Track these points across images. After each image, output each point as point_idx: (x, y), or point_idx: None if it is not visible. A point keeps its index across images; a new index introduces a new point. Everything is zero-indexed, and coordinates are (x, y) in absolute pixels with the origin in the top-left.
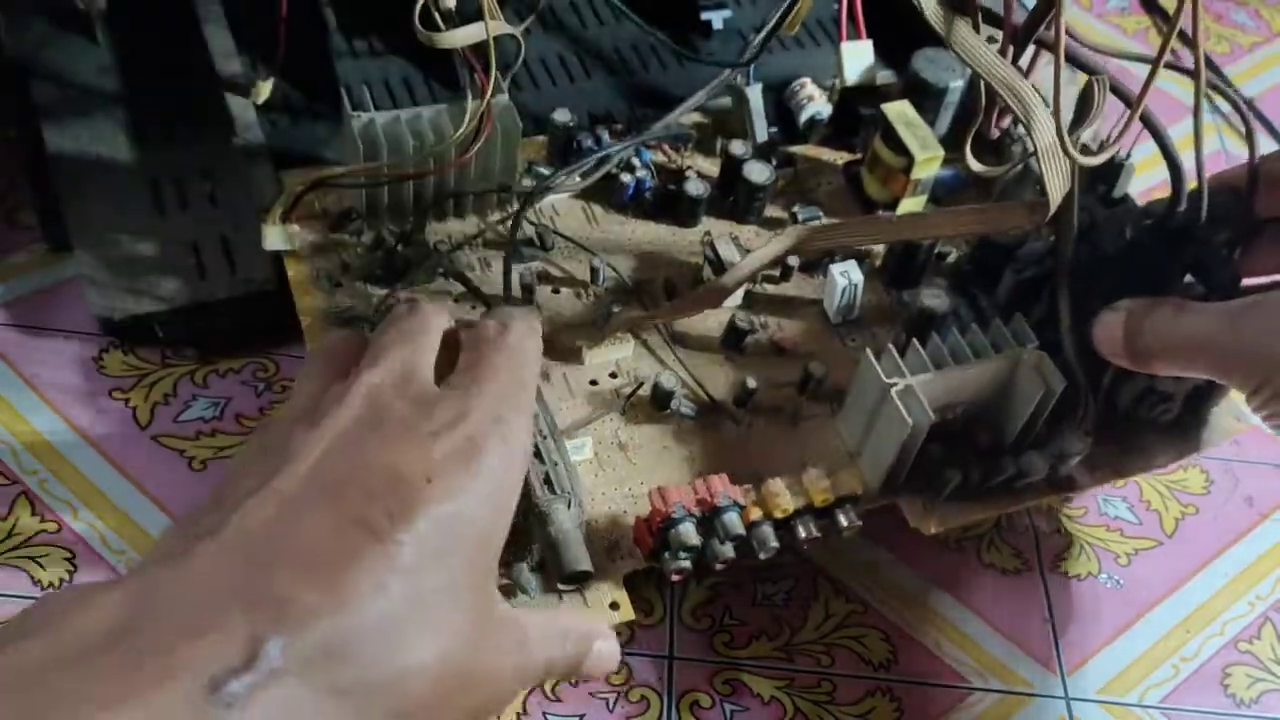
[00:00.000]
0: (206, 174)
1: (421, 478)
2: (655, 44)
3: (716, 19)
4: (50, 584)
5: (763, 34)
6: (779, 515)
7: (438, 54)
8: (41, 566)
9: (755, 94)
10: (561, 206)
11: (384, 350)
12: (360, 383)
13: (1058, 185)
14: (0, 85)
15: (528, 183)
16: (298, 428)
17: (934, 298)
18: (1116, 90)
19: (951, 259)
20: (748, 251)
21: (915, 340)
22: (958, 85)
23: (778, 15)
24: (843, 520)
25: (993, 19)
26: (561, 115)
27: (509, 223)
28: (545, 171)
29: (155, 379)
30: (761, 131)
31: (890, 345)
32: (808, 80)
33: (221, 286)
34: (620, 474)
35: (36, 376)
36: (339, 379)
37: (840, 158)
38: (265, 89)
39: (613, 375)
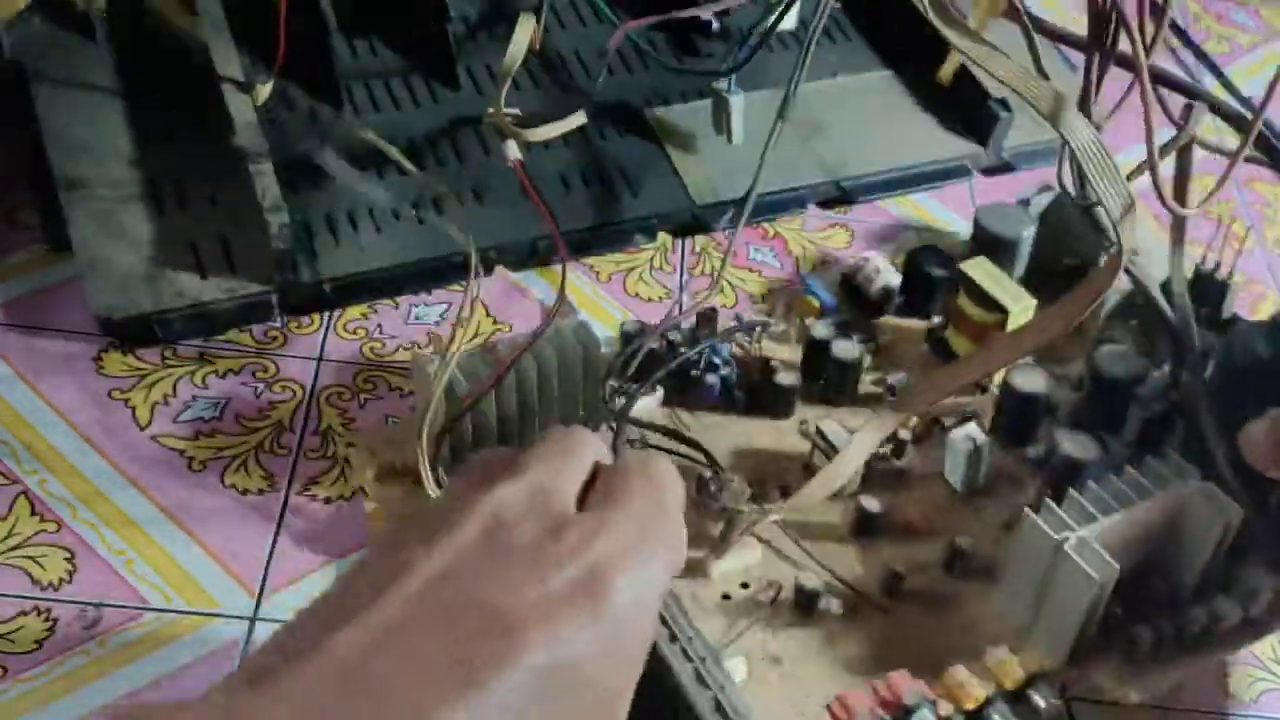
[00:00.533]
0: (206, 174)
1: (534, 617)
2: (652, 44)
3: (714, 19)
4: (50, 583)
5: (747, 46)
6: (970, 706)
7: (438, 54)
8: (41, 566)
9: (738, 101)
10: (646, 416)
11: (528, 464)
12: (491, 497)
13: (1112, 196)
14: (0, 85)
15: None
16: (418, 543)
17: (1076, 445)
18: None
19: (1063, 411)
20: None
21: (1071, 490)
22: (1029, 233)
23: (768, 25)
24: (1039, 701)
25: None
26: (631, 325)
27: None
28: (618, 385)
29: (155, 379)
30: (739, 135)
31: (1048, 500)
32: (869, 255)
33: (221, 286)
34: (781, 690)
35: (36, 376)
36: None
37: (913, 325)
38: (265, 90)
39: (744, 586)
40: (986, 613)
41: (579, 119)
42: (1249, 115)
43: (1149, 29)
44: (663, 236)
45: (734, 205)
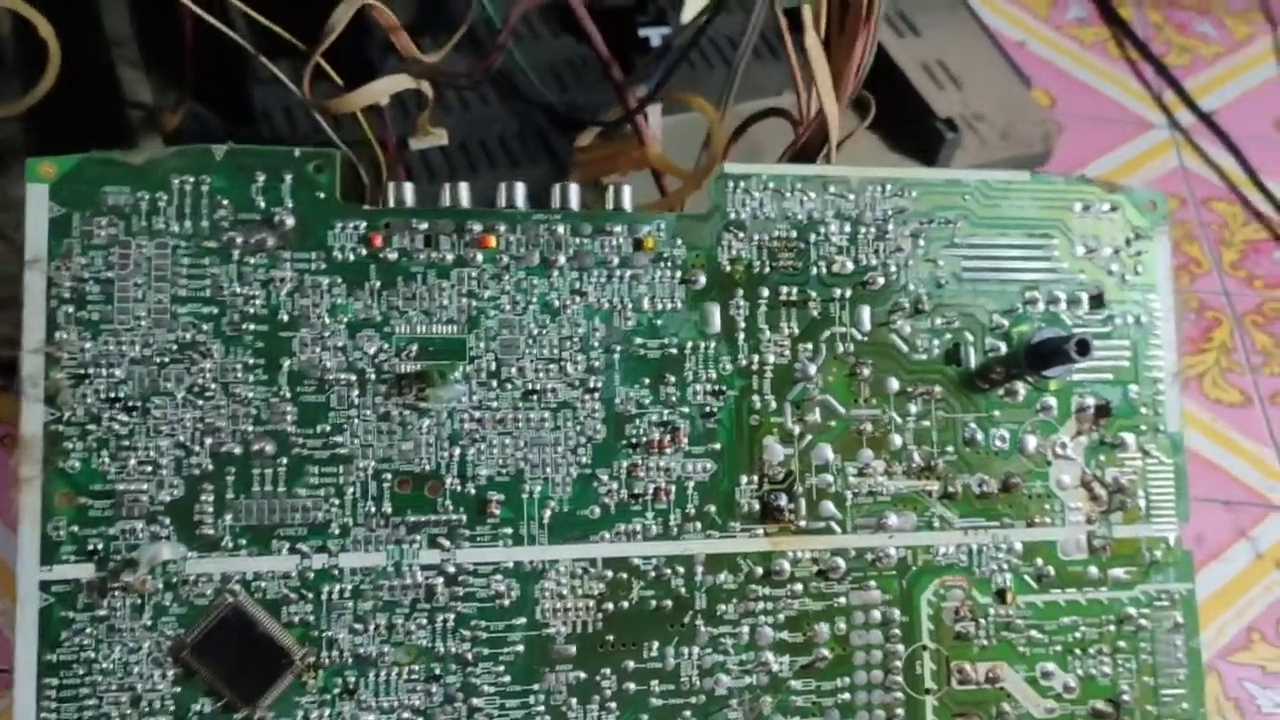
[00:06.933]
0: None
1: None
2: (585, 62)
3: (655, 36)
4: None
5: (654, 84)
6: None
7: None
8: None
9: (654, 112)
10: None
11: None
12: None
13: None
14: None
15: None
16: None
17: None
18: None
19: None
20: None
21: None
22: None
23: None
24: None
25: None
26: None
27: None
28: None
29: None
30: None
31: None
32: None
33: None
34: None
35: None
36: None
37: None
38: (175, 119)
39: None
40: None
41: (441, 137)
42: None
43: None
44: None
45: None
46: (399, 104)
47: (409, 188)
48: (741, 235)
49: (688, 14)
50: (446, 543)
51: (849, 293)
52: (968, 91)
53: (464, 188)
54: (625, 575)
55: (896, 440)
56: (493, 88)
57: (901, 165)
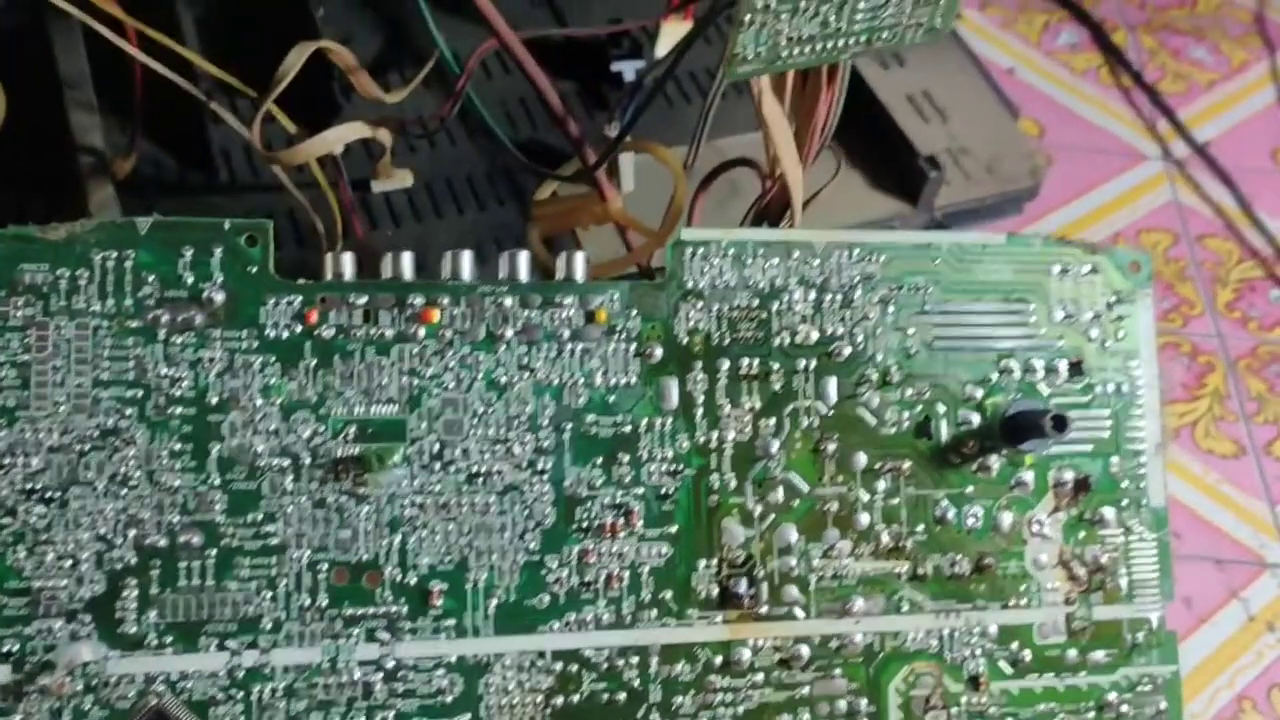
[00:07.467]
0: None
1: None
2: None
3: (629, 70)
4: None
5: (621, 128)
6: None
7: (320, 118)
8: None
9: (627, 160)
10: None
11: None
12: None
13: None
14: None
15: None
16: None
17: None
18: None
19: None
20: None
21: None
22: None
23: (638, 104)
24: None
25: None
26: None
27: None
28: None
29: None
30: (629, 182)
31: None
32: None
33: None
34: None
35: None
36: None
37: None
38: (127, 165)
39: None
40: None
41: (405, 179)
42: None
43: None
44: None
45: None
46: (363, 144)
47: (347, 259)
48: (700, 305)
49: (662, 48)
50: (386, 636)
51: (814, 364)
52: (953, 124)
53: (406, 258)
54: (576, 668)
55: (864, 519)
56: (461, 126)
57: (883, 203)
